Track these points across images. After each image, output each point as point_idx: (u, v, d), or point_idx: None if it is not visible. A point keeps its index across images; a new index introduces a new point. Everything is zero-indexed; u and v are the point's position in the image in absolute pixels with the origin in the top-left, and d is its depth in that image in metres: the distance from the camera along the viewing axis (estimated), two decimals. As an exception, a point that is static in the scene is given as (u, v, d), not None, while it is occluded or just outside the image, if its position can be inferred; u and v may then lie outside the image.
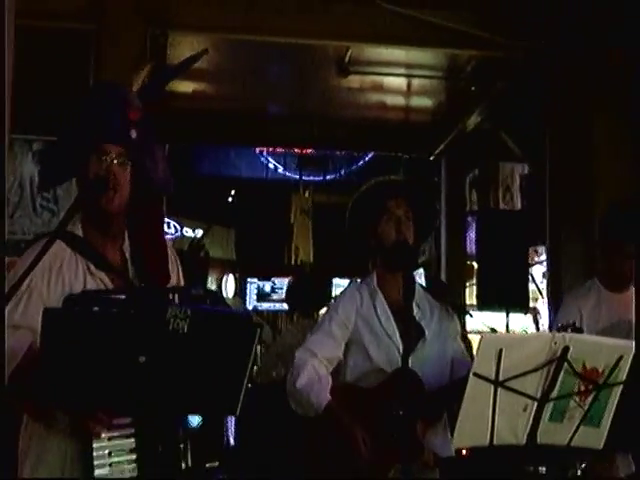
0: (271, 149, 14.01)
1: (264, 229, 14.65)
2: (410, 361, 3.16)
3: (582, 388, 2.63)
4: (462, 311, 3.92)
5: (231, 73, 8.04)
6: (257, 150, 14.12)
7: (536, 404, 2.61)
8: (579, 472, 3.52)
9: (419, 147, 9.98)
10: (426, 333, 3.34)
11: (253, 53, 7.33)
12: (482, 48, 6.44)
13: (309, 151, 13.19)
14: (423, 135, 9.60)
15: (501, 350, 2.53)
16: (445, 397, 3.15)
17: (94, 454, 2.37)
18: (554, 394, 2.61)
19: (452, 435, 2.70)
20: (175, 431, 2.47)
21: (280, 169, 14.84)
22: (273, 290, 14.57)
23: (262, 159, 14.73)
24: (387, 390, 3.20)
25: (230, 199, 15.81)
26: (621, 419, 2.71)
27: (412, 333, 3.26)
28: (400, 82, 8.27)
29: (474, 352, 2.69)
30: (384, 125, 9.36)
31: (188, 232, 13.57)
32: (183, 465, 2.46)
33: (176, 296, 2.47)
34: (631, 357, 2.64)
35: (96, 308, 2.29)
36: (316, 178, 14.98)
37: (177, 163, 10.70)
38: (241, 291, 14.54)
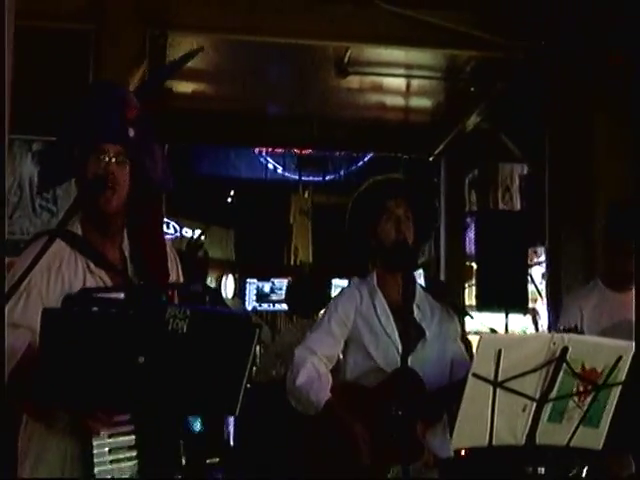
0: (270, 149, 14.01)
1: (263, 230, 14.64)
2: (409, 362, 3.16)
3: (581, 389, 2.63)
4: (462, 312, 3.91)
5: (231, 73, 8.04)
6: (256, 150, 14.11)
7: (535, 405, 2.61)
8: (584, 473, 3.52)
9: (418, 148, 9.99)
10: (426, 334, 3.34)
11: (252, 53, 7.34)
12: (481, 49, 6.45)
13: (308, 152, 13.18)
14: (422, 136, 9.60)
15: (500, 351, 2.53)
16: (445, 398, 3.15)
17: (94, 452, 2.38)
18: (553, 395, 2.61)
19: (451, 436, 2.70)
20: (175, 428, 2.47)
21: (279, 169, 14.84)
22: (272, 291, 14.57)
23: (261, 159, 14.73)
24: (387, 390, 3.20)
25: (229, 199, 15.81)
26: (621, 419, 2.71)
27: (411, 333, 3.26)
28: (399, 83, 8.27)
29: (474, 352, 2.69)
30: (383, 126, 9.36)
31: (187, 232, 13.56)
32: (183, 461, 2.47)
33: (175, 294, 2.47)
34: (630, 358, 2.64)
35: (95, 308, 2.29)
36: (315, 179, 14.98)
37: (177, 163, 10.70)
38: (240, 291, 14.53)
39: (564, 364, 2.57)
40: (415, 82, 8.26)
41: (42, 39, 5.64)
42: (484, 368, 2.55)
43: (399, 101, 8.90)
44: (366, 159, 13.84)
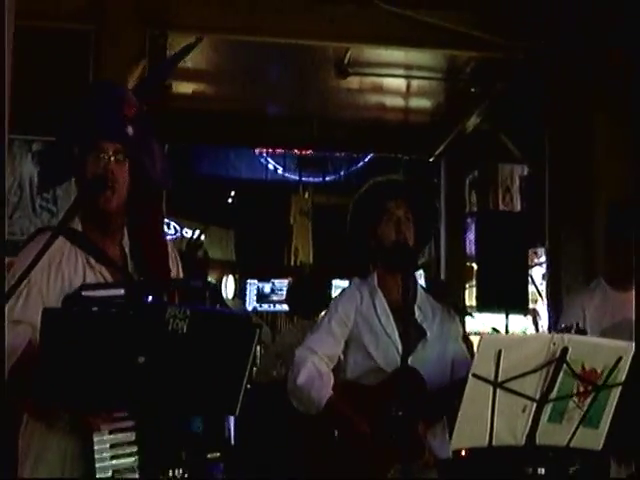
0: (271, 150, 13.99)
1: (264, 230, 14.63)
2: (410, 362, 3.17)
3: (581, 389, 2.63)
4: (463, 312, 3.92)
5: (231, 74, 8.04)
6: (257, 151, 14.10)
7: (535, 405, 2.61)
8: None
9: (418, 148, 9.98)
10: (427, 334, 3.35)
11: (252, 54, 7.34)
12: (481, 49, 6.44)
13: (309, 152, 13.17)
14: (422, 136, 9.59)
15: (500, 351, 2.53)
16: (446, 396, 3.15)
17: (95, 447, 2.38)
18: (553, 395, 2.61)
19: (451, 436, 2.70)
20: (175, 425, 2.47)
21: (280, 170, 14.83)
22: (273, 291, 14.56)
23: (262, 160, 14.71)
24: (387, 389, 3.21)
25: (230, 200, 15.81)
26: (621, 420, 2.71)
27: (412, 333, 3.27)
28: (399, 83, 8.27)
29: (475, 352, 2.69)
30: (383, 126, 9.36)
31: (188, 233, 13.55)
32: (184, 456, 2.47)
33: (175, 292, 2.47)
34: (630, 358, 2.64)
35: (95, 308, 2.29)
36: (316, 179, 14.96)
37: (177, 164, 10.70)
38: (241, 292, 14.52)
39: (564, 365, 2.57)
40: (415, 83, 8.26)
41: (42, 39, 5.64)
42: (484, 368, 2.55)
43: (399, 102, 8.89)
44: (366, 160, 13.82)
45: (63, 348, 2.20)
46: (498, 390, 2.56)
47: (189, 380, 2.29)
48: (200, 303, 2.50)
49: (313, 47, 7.05)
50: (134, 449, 2.43)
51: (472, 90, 7.92)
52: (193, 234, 13.00)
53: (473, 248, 8.31)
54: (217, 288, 2.88)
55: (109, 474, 2.39)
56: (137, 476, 2.42)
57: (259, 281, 14.70)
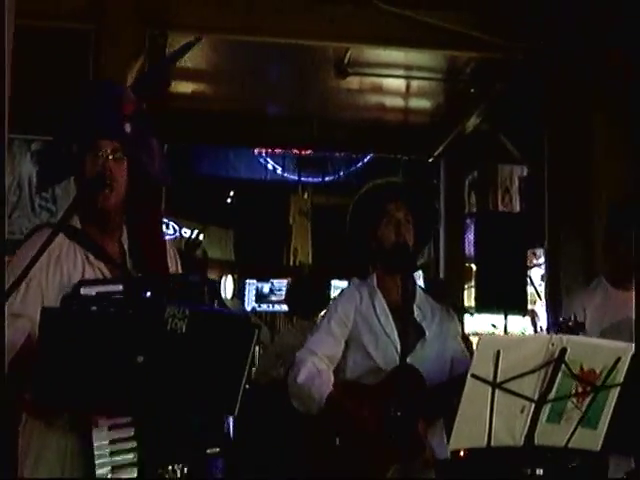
0: (270, 150, 13.99)
1: (263, 230, 14.64)
2: (409, 361, 3.18)
3: (579, 390, 2.63)
4: (462, 310, 3.92)
5: (230, 74, 8.05)
6: (256, 151, 14.10)
7: (533, 406, 2.61)
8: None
9: (418, 149, 9.99)
10: (426, 334, 3.35)
11: (252, 54, 7.34)
12: (481, 50, 6.44)
13: (308, 152, 13.17)
14: (422, 137, 9.60)
15: (499, 352, 2.53)
16: (445, 393, 3.15)
17: (95, 444, 2.38)
18: (551, 396, 2.61)
19: (449, 437, 2.70)
20: (174, 422, 2.47)
21: (279, 170, 14.83)
22: (272, 291, 14.57)
23: (261, 160, 14.71)
24: (387, 388, 3.21)
25: (229, 200, 15.81)
26: (620, 420, 2.71)
27: (410, 333, 3.28)
28: (399, 84, 8.27)
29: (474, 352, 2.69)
30: (383, 127, 9.37)
31: (187, 233, 13.55)
32: (183, 451, 2.47)
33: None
34: (629, 359, 2.64)
35: (94, 308, 2.29)
36: (315, 179, 14.96)
37: (176, 163, 10.69)
38: (240, 292, 14.53)
39: (563, 365, 2.57)
40: (415, 83, 8.27)
41: (42, 39, 5.64)
42: (483, 369, 2.55)
43: (399, 102, 8.90)
44: (366, 160, 13.82)
45: (62, 348, 2.20)
46: (497, 390, 2.56)
47: (188, 380, 2.28)
48: (198, 299, 2.50)
49: (313, 47, 7.05)
50: (133, 445, 2.43)
51: (471, 91, 7.93)
52: (192, 234, 13.00)
53: (472, 249, 8.30)
54: (215, 284, 2.87)
55: (109, 470, 2.39)
56: (136, 472, 2.42)
57: (258, 281, 14.71)
